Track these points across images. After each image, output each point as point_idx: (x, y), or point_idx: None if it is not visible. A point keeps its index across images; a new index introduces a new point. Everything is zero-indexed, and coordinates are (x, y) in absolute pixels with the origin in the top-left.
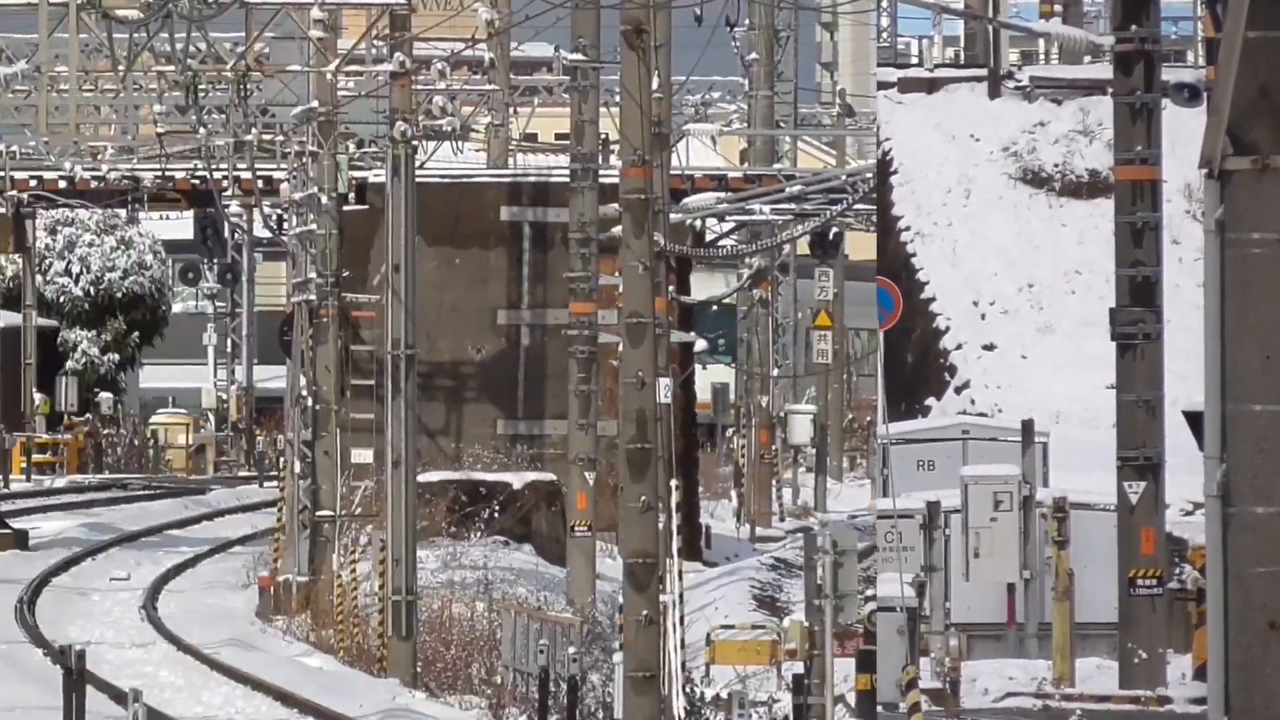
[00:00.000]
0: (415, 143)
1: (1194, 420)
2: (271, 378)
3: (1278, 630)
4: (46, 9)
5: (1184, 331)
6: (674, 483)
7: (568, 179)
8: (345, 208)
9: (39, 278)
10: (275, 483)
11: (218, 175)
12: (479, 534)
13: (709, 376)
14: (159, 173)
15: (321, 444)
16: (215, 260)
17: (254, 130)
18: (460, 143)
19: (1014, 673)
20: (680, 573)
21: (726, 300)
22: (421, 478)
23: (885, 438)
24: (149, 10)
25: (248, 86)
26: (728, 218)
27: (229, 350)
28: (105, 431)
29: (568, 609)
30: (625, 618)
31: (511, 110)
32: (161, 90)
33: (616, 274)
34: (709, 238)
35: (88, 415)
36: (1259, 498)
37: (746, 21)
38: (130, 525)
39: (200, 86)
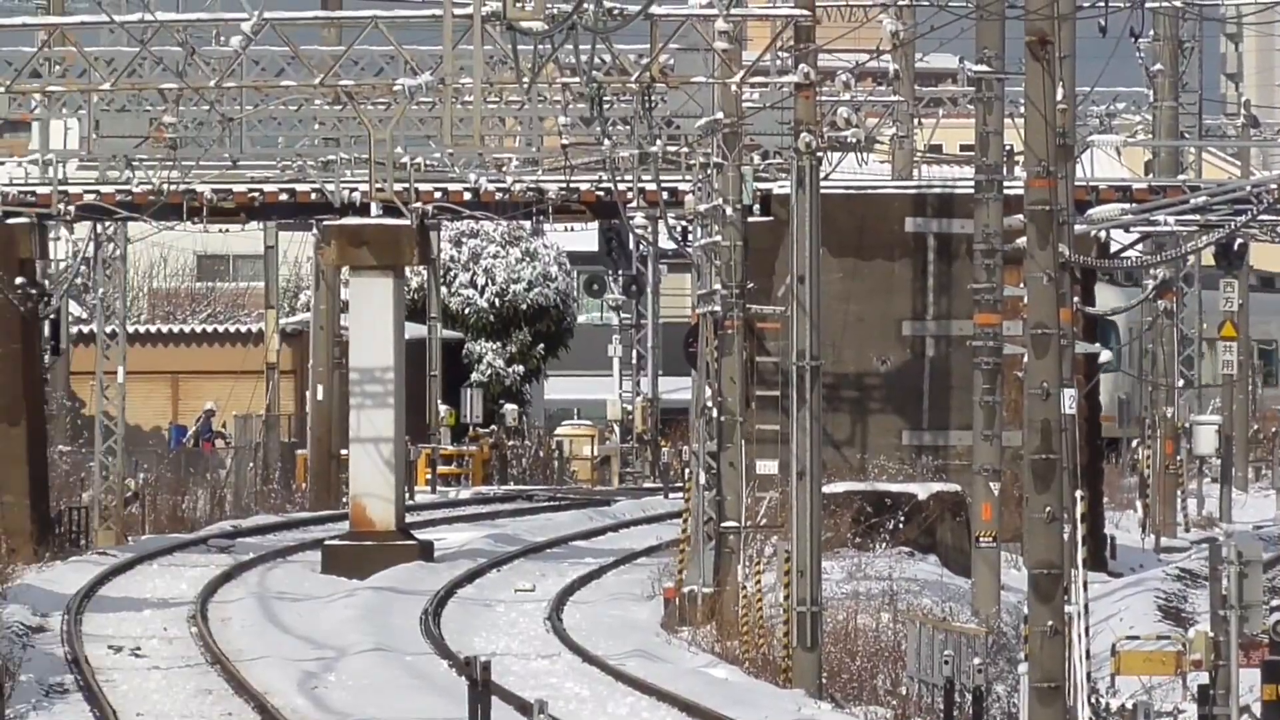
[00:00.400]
0: (820, 154)
1: None
2: (676, 389)
3: None
4: (451, 21)
5: None
6: (1079, 493)
7: (972, 190)
8: (750, 219)
9: (444, 290)
10: (680, 494)
11: (622, 187)
12: (884, 545)
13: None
14: (564, 184)
15: (726, 455)
16: (620, 272)
17: (659, 142)
18: (865, 154)
19: None
20: (1085, 583)
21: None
22: (826, 489)
23: None
24: (554, 22)
25: (652, 98)
26: (1132, 229)
27: (634, 361)
28: (510, 443)
29: (972, 620)
30: (1030, 628)
31: (916, 121)
32: (566, 102)
33: (1021, 285)
34: (1113, 249)
35: (493, 427)
36: None
37: (1151, 32)
38: (535, 536)
39: (605, 98)
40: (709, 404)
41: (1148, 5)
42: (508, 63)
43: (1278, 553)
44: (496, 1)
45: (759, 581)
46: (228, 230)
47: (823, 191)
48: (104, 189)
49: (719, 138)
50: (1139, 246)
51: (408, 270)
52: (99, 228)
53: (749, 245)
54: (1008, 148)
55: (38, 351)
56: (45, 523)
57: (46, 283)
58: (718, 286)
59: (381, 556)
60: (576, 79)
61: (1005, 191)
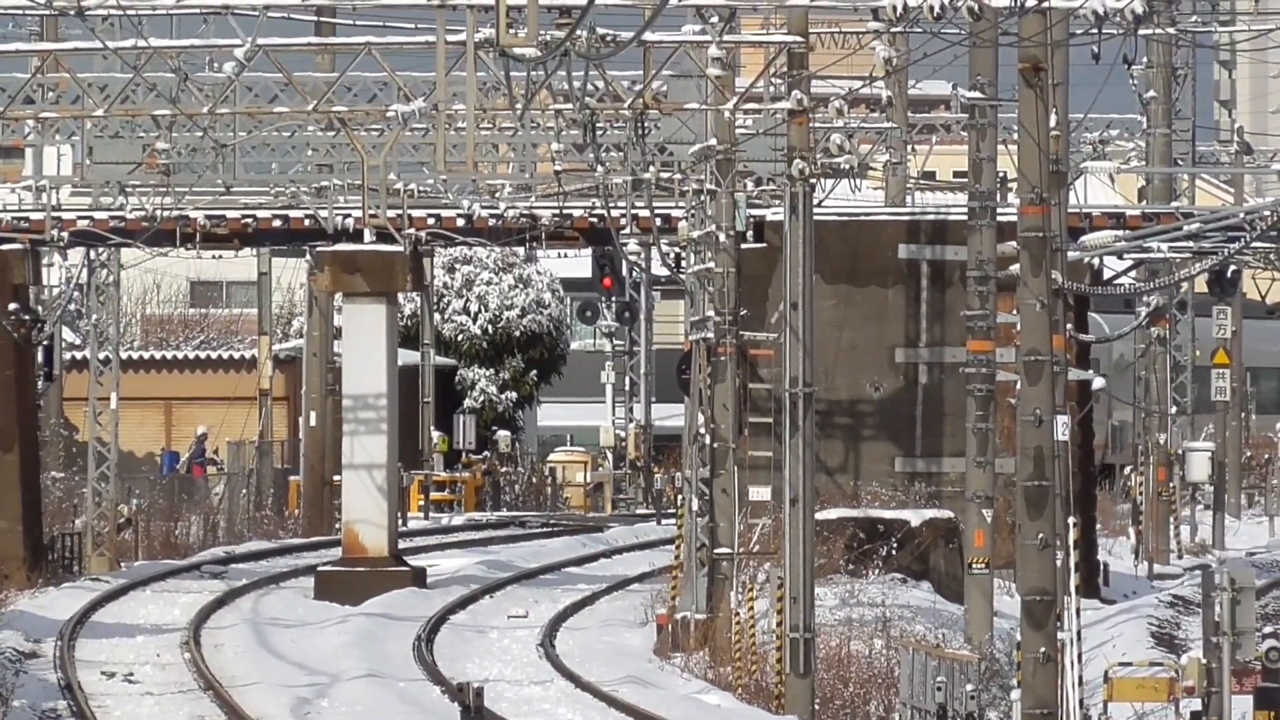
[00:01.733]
0: (813, 180)
1: None
2: (669, 415)
3: None
4: (444, 47)
5: None
6: (1072, 520)
7: (965, 217)
8: (743, 245)
9: (437, 316)
10: (673, 520)
11: (616, 213)
12: (877, 571)
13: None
14: (557, 210)
15: (719, 481)
16: (613, 298)
17: (652, 168)
18: (858, 180)
19: None
20: (1078, 610)
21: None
22: (819, 515)
23: None
24: (547, 48)
25: (645, 124)
26: (1125, 255)
27: (627, 388)
28: (503, 469)
29: (965, 646)
30: (1023, 655)
31: (909, 148)
32: (559, 128)
33: (1014, 312)
34: (1106, 275)
35: (486, 453)
36: None
37: (1144, 59)
38: (528, 563)
39: (598, 124)
40: (702, 430)
41: (1141, 33)
42: (501, 89)
43: (1271, 579)
44: (489, 28)
45: (752, 608)
46: (221, 256)
47: (816, 218)
48: (97, 215)
49: (712, 164)
50: (1132, 273)
51: (401, 297)
52: (92, 254)
53: (742, 272)
54: (1001, 174)
55: (31, 378)
56: (38, 549)
57: (40, 309)
58: (711, 313)
59: (374, 583)
60: (570, 105)
61: (998, 218)
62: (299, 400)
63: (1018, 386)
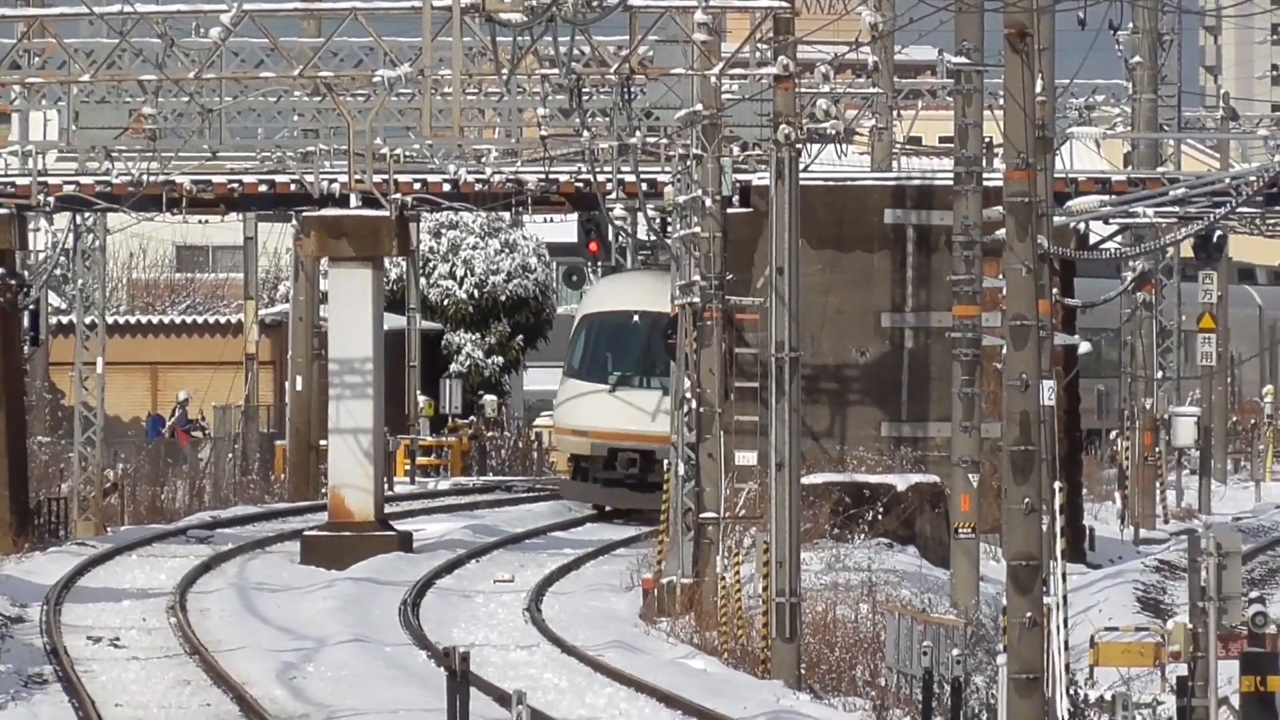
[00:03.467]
0: (799, 146)
1: None
2: None
3: None
4: (430, 12)
5: None
6: (1058, 485)
7: (951, 182)
8: (729, 211)
9: (423, 281)
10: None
11: (601, 178)
12: (862, 536)
13: None
14: (543, 176)
15: (705, 446)
16: (599, 263)
17: (638, 133)
18: (844, 146)
19: None
20: (1064, 575)
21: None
22: (805, 480)
23: None
24: (533, 14)
25: (631, 90)
26: (1111, 221)
27: None
28: (489, 434)
29: (951, 611)
30: (1009, 620)
31: (895, 113)
32: (545, 93)
33: (1000, 277)
34: (1092, 240)
35: (472, 418)
36: None
37: (1130, 25)
38: (514, 527)
39: (584, 90)
40: (688, 395)
41: None
42: (487, 54)
43: (1256, 544)
44: None
45: (738, 572)
46: (207, 221)
47: (802, 183)
48: (83, 180)
49: (698, 129)
50: (1118, 238)
51: (387, 261)
52: (78, 219)
53: (728, 237)
54: (987, 140)
55: (17, 342)
56: (24, 513)
57: (26, 274)
58: (697, 278)
59: (360, 547)
60: (555, 70)
61: (984, 183)
62: (285, 365)
63: (1003, 351)
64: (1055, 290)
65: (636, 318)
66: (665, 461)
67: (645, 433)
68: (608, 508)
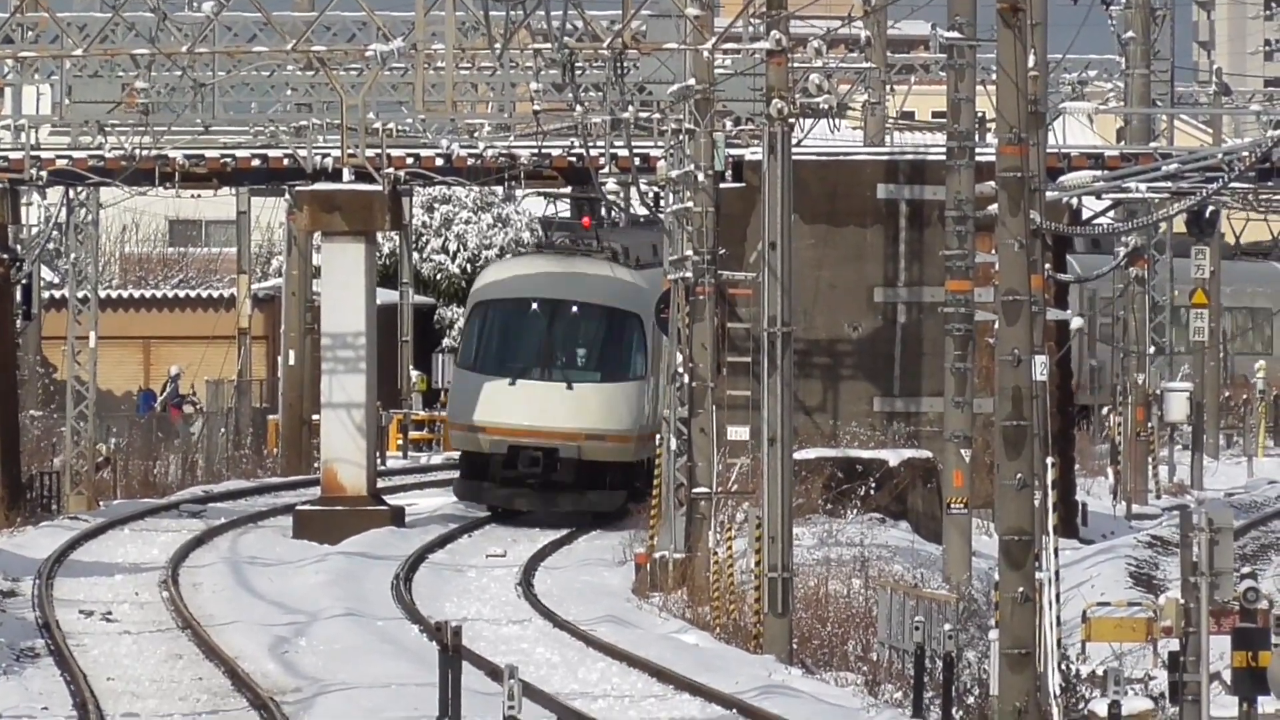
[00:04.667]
0: (792, 120)
1: None
2: None
3: None
4: None
5: None
6: (1050, 460)
7: (944, 157)
8: (722, 185)
9: (416, 255)
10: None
11: (594, 153)
12: (855, 511)
13: None
14: (535, 150)
15: (698, 421)
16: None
17: (630, 108)
18: (837, 120)
19: None
20: (1056, 550)
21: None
22: (798, 455)
23: None
24: None
25: (624, 64)
26: (1104, 196)
27: None
28: None
29: (943, 586)
30: (1001, 595)
31: (888, 88)
32: (538, 68)
33: (993, 252)
34: (1085, 216)
35: None
36: None
37: (1123, 0)
38: None
39: (577, 64)
40: (680, 370)
41: None
42: (480, 29)
43: (1249, 520)
44: None
45: (730, 547)
46: (200, 196)
47: (795, 158)
48: (76, 154)
49: (691, 104)
50: (1110, 214)
51: (379, 236)
52: (71, 193)
53: (720, 211)
54: (979, 115)
55: (9, 316)
56: (16, 488)
57: (18, 248)
58: (689, 252)
59: (353, 522)
60: (548, 45)
61: (977, 158)
62: (278, 339)
63: (996, 326)
64: (1047, 265)
65: (535, 305)
66: (573, 459)
67: (550, 429)
68: (505, 510)
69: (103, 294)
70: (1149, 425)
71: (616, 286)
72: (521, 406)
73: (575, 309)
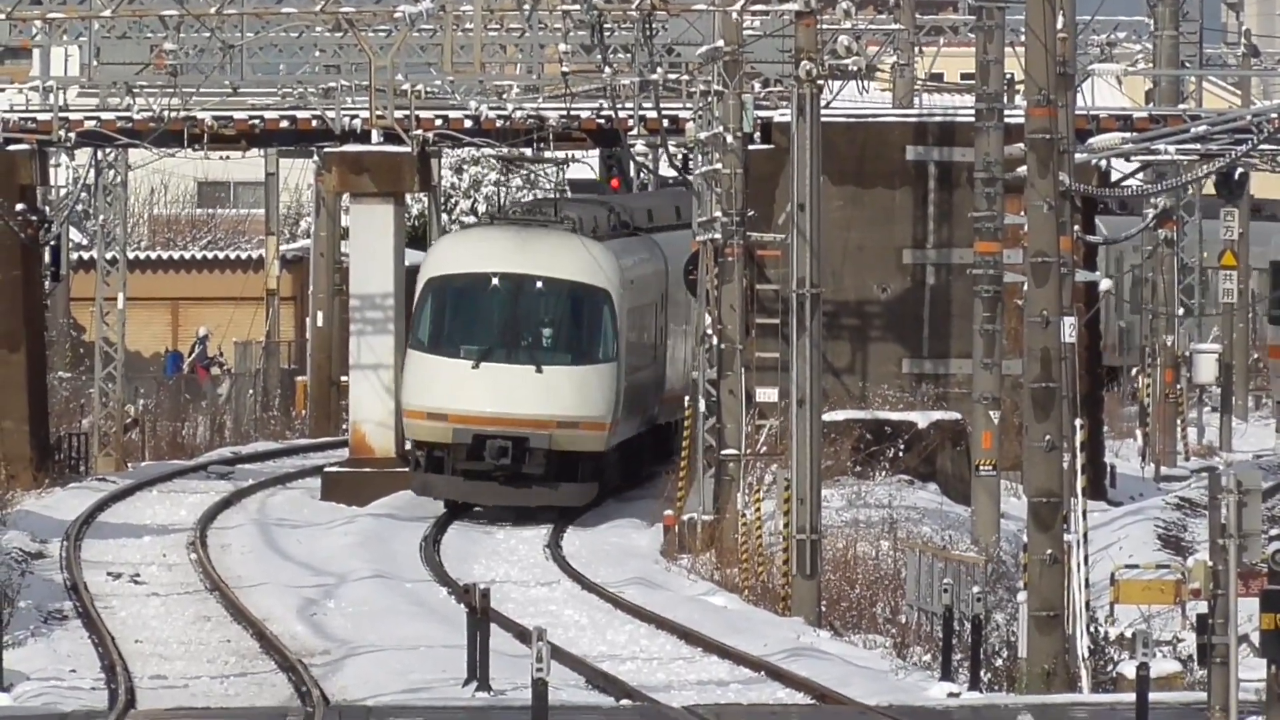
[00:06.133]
0: (820, 82)
1: None
2: None
3: None
4: None
5: None
6: (1078, 422)
7: (973, 119)
8: (750, 147)
9: (444, 217)
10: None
11: (623, 114)
12: (884, 473)
13: None
14: (564, 112)
15: (726, 383)
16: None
17: (659, 69)
18: (866, 82)
19: None
20: (1084, 512)
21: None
22: (826, 416)
23: None
24: None
25: (653, 25)
26: (1132, 158)
27: None
28: None
29: (972, 548)
30: (1029, 557)
31: (917, 50)
32: (567, 29)
33: (1021, 213)
34: (1114, 178)
35: None
36: None
37: None
38: None
39: (605, 25)
40: (709, 331)
41: None
42: None
43: (1277, 481)
44: None
45: (758, 509)
46: (228, 157)
47: (823, 120)
48: (104, 115)
49: (719, 65)
50: (1139, 176)
51: (408, 197)
52: (99, 154)
53: (749, 173)
54: (1008, 76)
55: (38, 278)
56: (45, 449)
57: (47, 209)
58: (718, 214)
59: (381, 483)
60: (577, 6)
61: (1006, 120)
62: (306, 300)
63: (1025, 288)
64: (1076, 227)
65: (496, 280)
66: (544, 449)
67: (519, 416)
68: (473, 505)
69: (131, 255)
70: (1178, 387)
71: (583, 260)
72: (487, 392)
73: (540, 284)
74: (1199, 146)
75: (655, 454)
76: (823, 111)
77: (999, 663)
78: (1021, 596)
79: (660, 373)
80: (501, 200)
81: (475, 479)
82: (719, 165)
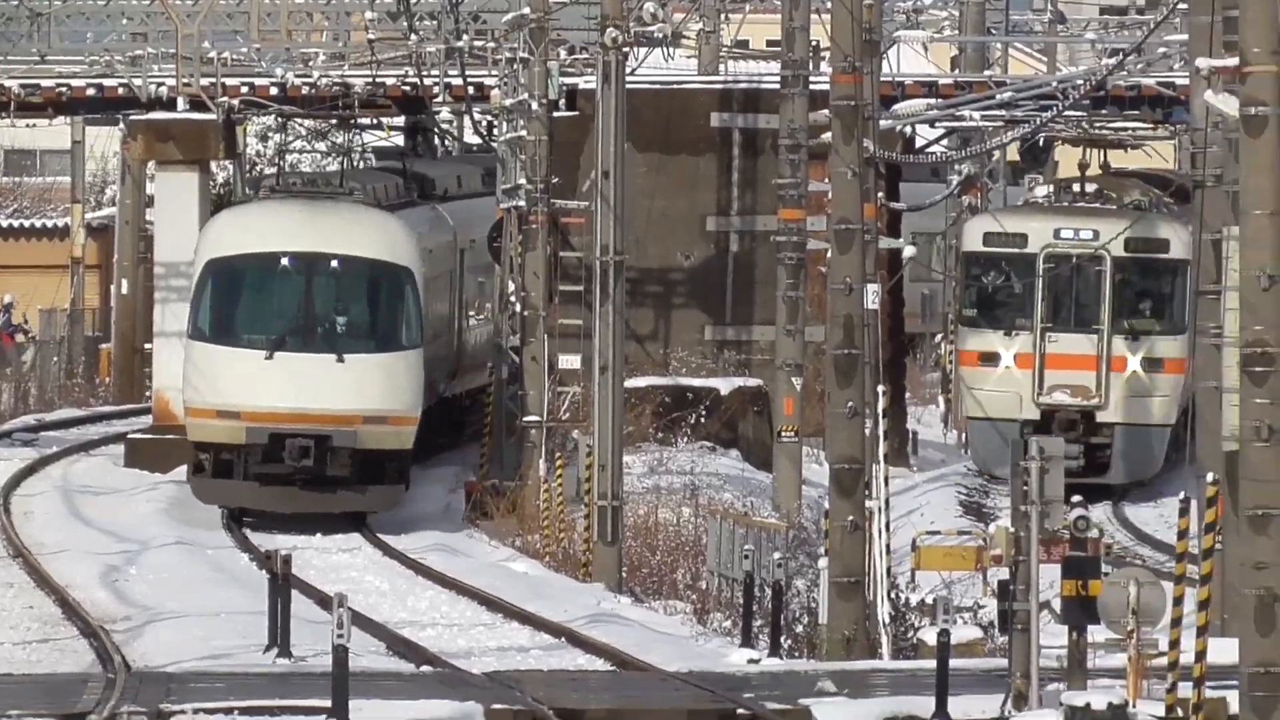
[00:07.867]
0: (626, 49)
1: None
2: None
3: None
4: None
5: None
6: (881, 388)
7: (778, 85)
8: (555, 114)
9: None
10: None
11: (429, 82)
12: (685, 439)
13: None
14: (370, 79)
15: (529, 350)
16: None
17: (465, 37)
18: (671, 49)
19: None
20: (886, 478)
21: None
22: (629, 383)
23: None
24: None
25: None
26: (937, 124)
27: None
28: None
29: (773, 514)
30: (831, 523)
31: (723, 16)
32: None
33: (826, 180)
34: (918, 144)
35: None
36: None
37: None
38: None
39: None
40: (512, 299)
41: None
42: None
43: None
44: None
45: (560, 476)
46: (35, 125)
47: (629, 87)
48: None
49: (525, 33)
50: (944, 142)
51: (214, 165)
52: None
53: (554, 140)
54: (814, 43)
55: None
56: None
57: None
58: (523, 181)
59: (185, 450)
60: None
61: (811, 87)
62: (111, 269)
63: (829, 255)
64: (880, 194)
65: (286, 260)
66: (348, 447)
67: (320, 411)
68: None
69: None
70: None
71: (380, 235)
72: (284, 385)
73: (336, 264)
74: (1004, 113)
75: (443, 429)
76: (628, 78)
77: (799, 629)
78: (823, 563)
79: (452, 347)
80: (283, 170)
81: (271, 483)
82: (524, 132)
